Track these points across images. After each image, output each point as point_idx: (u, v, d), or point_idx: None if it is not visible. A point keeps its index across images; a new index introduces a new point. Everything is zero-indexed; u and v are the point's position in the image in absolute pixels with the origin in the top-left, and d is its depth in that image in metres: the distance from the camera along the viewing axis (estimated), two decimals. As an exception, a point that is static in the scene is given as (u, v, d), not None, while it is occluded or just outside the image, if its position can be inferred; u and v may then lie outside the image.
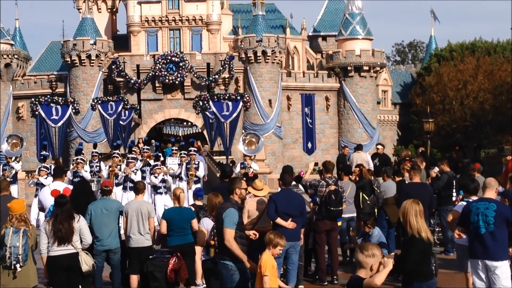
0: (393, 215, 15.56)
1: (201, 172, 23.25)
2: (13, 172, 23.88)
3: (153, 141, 34.08)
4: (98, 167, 23.52)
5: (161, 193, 21.61)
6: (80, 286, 10.89)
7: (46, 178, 21.02)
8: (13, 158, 24.47)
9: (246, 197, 13.26)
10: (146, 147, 26.72)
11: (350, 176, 16.94)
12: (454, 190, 17.33)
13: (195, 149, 25.18)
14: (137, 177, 21.51)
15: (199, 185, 22.38)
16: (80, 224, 10.79)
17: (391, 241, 16.46)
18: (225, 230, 9.67)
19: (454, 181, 17.39)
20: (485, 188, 10.47)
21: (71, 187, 13.56)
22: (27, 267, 10.22)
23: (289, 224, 12.06)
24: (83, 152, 25.42)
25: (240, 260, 9.64)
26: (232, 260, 9.70)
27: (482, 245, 9.92)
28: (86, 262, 10.74)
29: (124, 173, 21.83)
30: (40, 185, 20.85)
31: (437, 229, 18.26)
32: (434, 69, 59.86)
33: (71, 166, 23.58)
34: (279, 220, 12.04)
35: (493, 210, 9.95)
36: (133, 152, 24.86)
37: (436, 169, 17.84)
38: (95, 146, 28.58)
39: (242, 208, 10.67)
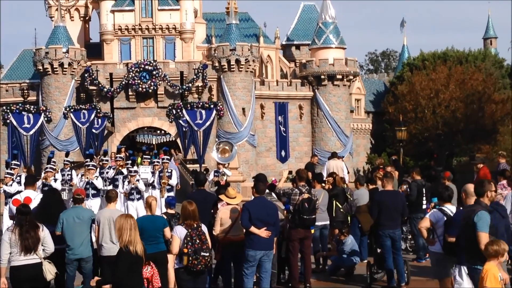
0: (366, 223, 15.63)
1: (173, 181, 23.20)
2: (-16, 181, 23.55)
3: (123, 149, 33.89)
4: (69, 176, 23.33)
5: (132, 200, 21.53)
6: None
7: (11, 185, 20.13)
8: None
9: (219, 205, 13.33)
10: (119, 155, 26.59)
11: (323, 184, 17.03)
12: (424, 198, 17.43)
13: (168, 157, 25.15)
14: (99, 183, 21.29)
15: (172, 194, 22.32)
16: (44, 233, 10.82)
17: (364, 249, 16.55)
18: (480, 234, 9.25)
19: (424, 189, 17.48)
20: (471, 196, 10.27)
21: (41, 195, 13.45)
22: None
23: (263, 232, 12.06)
24: (54, 160, 24.87)
25: None
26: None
27: None
28: (50, 271, 10.80)
29: (88, 179, 21.32)
30: (7, 193, 20.02)
31: (409, 237, 18.38)
32: (407, 78, 60.23)
33: (42, 175, 23.19)
34: (253, 229, 12.04)
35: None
36: (104, 161, 24.65)
37: (405, 187, 17.89)
38: (67, 154, 28.37)
39: (491, 211, 9.64)
